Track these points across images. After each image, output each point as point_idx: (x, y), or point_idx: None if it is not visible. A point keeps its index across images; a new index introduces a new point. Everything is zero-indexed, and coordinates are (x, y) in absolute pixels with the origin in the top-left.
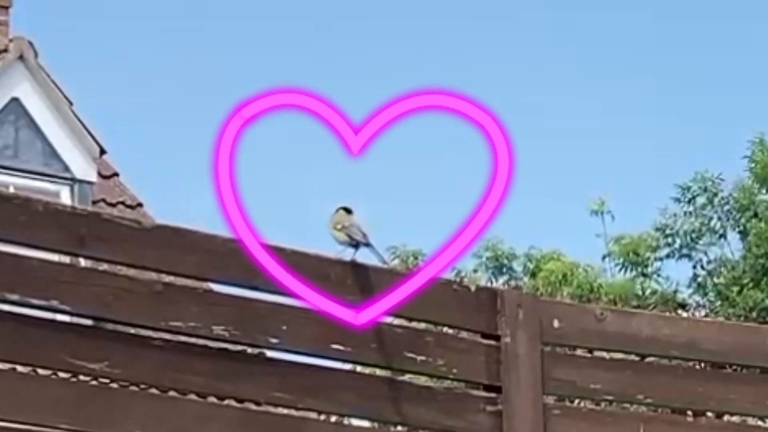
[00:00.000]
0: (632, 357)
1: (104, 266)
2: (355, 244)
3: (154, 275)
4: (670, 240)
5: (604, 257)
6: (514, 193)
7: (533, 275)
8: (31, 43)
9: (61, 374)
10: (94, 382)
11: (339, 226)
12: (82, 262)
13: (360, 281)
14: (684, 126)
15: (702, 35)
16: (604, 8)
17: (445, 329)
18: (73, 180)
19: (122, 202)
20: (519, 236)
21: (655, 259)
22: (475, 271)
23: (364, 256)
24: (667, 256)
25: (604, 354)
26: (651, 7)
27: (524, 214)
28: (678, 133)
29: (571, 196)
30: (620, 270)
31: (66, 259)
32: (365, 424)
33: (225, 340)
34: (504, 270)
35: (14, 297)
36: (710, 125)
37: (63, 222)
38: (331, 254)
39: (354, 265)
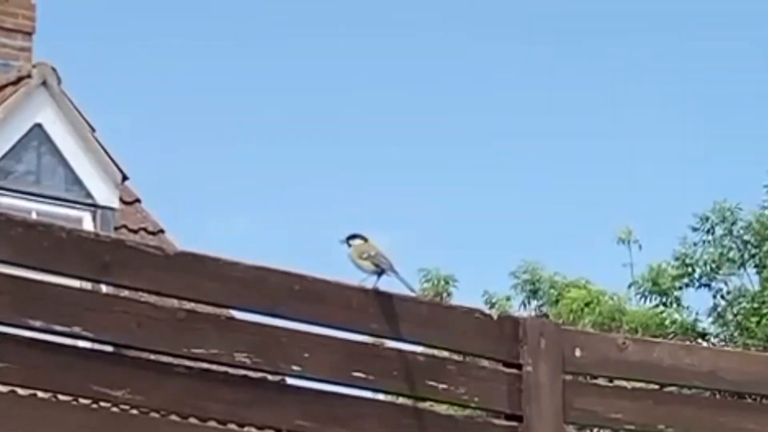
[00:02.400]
0: (654, 386)
1: (127, 293)
2: (381, 272)
3: (176, 302)
4: (689, 269)
5: (629, 285)
6: (547, 220)
7: (556, 302)
8: (54, 69)
9: (83, 401)
10: (115, 409)
11: (365, 255)
12: (105, 289)
13: (383, 309)
14: (708, 153)
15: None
16: (631, 34)
17: (468, 358)
18: (96, 206)
19: (144, 228)
20: (550, 261)
21: (676, 288)
22: (508, 299)
23: (386, 284)
24: (687, 285)
25: (626, 383)
26: (678, 30)
27: (555, 239)
28: (701, 161)
29: (599, 225)
30: (641, 299)
31: (89, 286)
32: None
33: (247, 368)
34: (536, 294)
35: (37, 323)
36: (734, 153)
37: (86, 249)
38: (353, 282)
39: (377, 293)
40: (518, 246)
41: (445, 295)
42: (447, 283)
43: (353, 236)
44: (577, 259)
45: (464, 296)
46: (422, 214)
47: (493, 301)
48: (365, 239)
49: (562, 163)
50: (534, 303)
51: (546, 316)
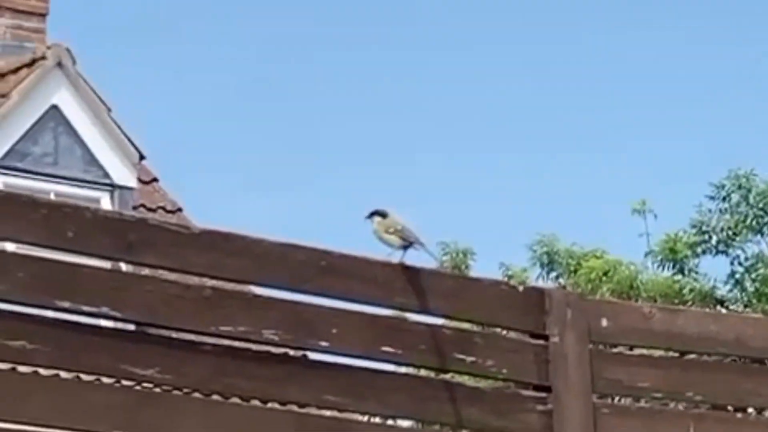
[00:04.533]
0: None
1: (153, 272)
2: (407, 246)
3: (202, 280)
4: (706, 237)
5: (646, 254)
6: (562, 194)
7: (574, 272)
8: (68, 50)
9: (112, 381)
10: (144, 388)
11: (391, 230)
12: (131, 269)
13: (409, 283)
14: (724, 122)
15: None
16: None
17: (494, 330)
18: (113, 186)
19: (162, 207)
20: (567, 232)
21: (693, 256)
22: (525, 270)
23: (411, 258)
24: (704, 252)
25: (652, 352)
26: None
27: (570, 212)
28: (715, 129)
29: (613, 197)
30: (658, 267)
31: (115, 266)
32: (415, 425)
33: (275, 345)
34: (553, 266)
35: (65, 304)
36: (748, 120)
37: (111, 228)
38: (379, 256)
39: (403, 267)
40: (534, 219)
41: (463, 267)
42: (465, 255)
43: (376, 212)
44: (593, 231)
45: (482, 269)
46: (437, 188)
47: (510, 273)
48: (388, 214)
49: (574, 135)
50: (551, 274)
51: (563, 287)
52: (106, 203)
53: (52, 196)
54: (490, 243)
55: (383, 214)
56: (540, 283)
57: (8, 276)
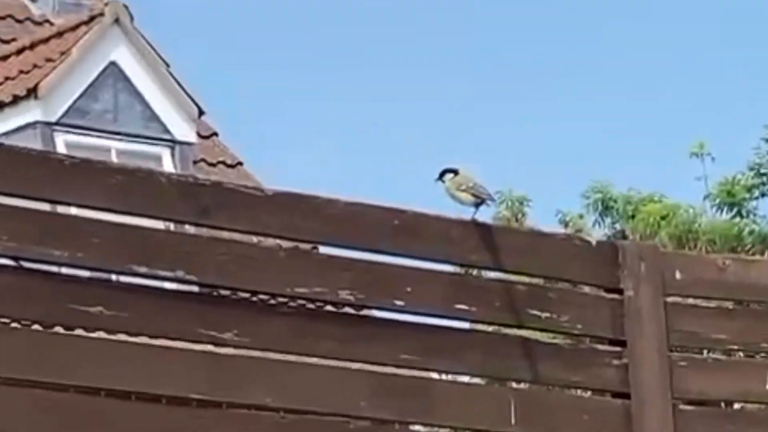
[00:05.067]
0: (754, 306)
1: (228, 235)
2: (479, 203)
3: (277, 242)
4: (764, 179)
5: (704, 198)
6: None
7: (632, 217)
8: (126, 7)
9: (192, 345)
10: (223, 351)
11: (463, 187)
12: (206, 232)
13: (482, 240)
14: None
15: None
16: None
17: (568, 285)
18: (173, 142)
19: (222, 162)
20: (623, 178)
21: (751, 199)
22: (581, 216)
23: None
24: (762, 195)
25: (727, 303)
26: None
27: (627, 157)
28: None
29: (669, 141)
30: (717, 210)
31: (191, 230)
32: (492, 383)
33: (350, 305)
34: (609, 212)
35: (142, 269)
36: None
37: (186, 193)
38: (452, 214)
39: (476, 224)
40: (588, 166)
41: (520, 215)
42: (521, 204)
43: (447, 170)
44: (649, 177)
45: (538, 217)
46: (491, 138)
47: (567, 219)
48: (459, 171)
49: (629, 80)
50: (607, 220)
51: (623, 232)
52: (166, 159)
53: (113, 153)
54: (545, 192)
55: (455, 171)
56: (595, 230)
57: (84, 242)
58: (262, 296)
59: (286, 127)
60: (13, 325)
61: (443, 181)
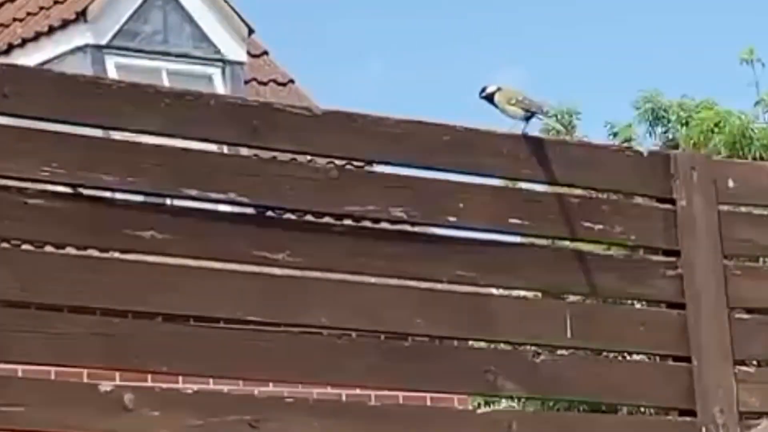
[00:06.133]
0: None
1: (279, 156)
2: (530, 116)
3: (328, 161)
4: None
5: (756, 104)
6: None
7: (686, 124)
8: None
9: (245, 267)
10: (277, 272)
11: (513, 101)
12: (257, 154)
13: (533, 153)
14: None
15: None
16: None
17: (621, 196)
18: (224, 61)
19: (274, 80)
20: (672, 88)
21: None
22: (629, 125)
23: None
24: None
25: None
26: None
27: (676, 64)
28: None
29: (722, 47)
30: None
31: (242, 152)
32: (547, 297)
33: (404, 222)
34: (660, 121)
35: (193, 192)
36: None
37: (235, 114)
38: (502, 129)
39: (526, 138)
40: (637, 76)
41: (569, 127)
42: (571, 116)
43: (486, 88)
44: (699, 86)
45: (587, 129)
46: (536, 49)
47: (616, 130)
48: (501, 88)
49: None
50: (658, 130)
51: (674, 141)
52: (217, 79)
53: (164, 75)
54: (594, 104)
55: (499, 87)
56: (647, 140)
57: (135, 167)
58: (314, 216)
59: (336, 46)
60: (67, 250)
61: (487, 98)
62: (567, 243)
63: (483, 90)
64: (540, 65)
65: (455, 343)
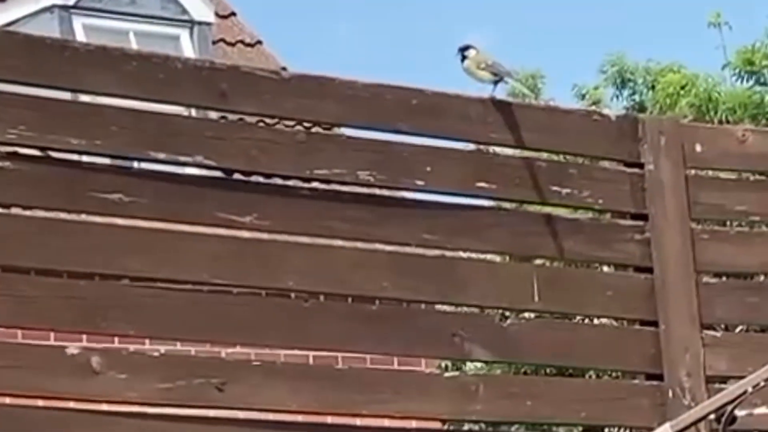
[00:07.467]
0: None
1: (246, 119)
2: (498, 80)
3: (295, 125)
4: None
5: (723, 67)
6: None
7: (652, 88)
8: None
9: (212, 230)
10: (246, 235)
11: (482, 65)
12: (225, 117)
13: (501, 117)
14: None
15: None
16: None
17: (589, 160)
18: (192, 22)
19: (241, 41)
20: (639, 51)
21: None
22: (596, 88)
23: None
24: None
25: (749, 175)
26: None
27: (644, 27)
28: None
29: (685, 14)
30: (737, 80)
31: (210, 115)
32: (515, 261)
33: (371, 185)
34: (627, 84)
35: (161, 155)
36: None
37: (203, 78)
38: (471, 93)
39: (495, 102)
40: (603, 41)
41: (534, 90)
42: (534, 79)
43: (466, 47)
44: (666, 50)
45: (556, 91)
46: (503, 12)
47: (583, 92)
48: (476, 50)
49: None
50: (625, 93)
51: (641, 104)
52: (185, 40)
53: (131, 36)
54: (560, 67)
55: (473, 49)
56: (614, 103)
57: (102, 129)
58: (281, 179)
59: (304, 7)
60: (35, 212)
61: (465, 57)
62: (535, 207)
63: (461, 50)
64: (509, 26)
65: (423, 306)
